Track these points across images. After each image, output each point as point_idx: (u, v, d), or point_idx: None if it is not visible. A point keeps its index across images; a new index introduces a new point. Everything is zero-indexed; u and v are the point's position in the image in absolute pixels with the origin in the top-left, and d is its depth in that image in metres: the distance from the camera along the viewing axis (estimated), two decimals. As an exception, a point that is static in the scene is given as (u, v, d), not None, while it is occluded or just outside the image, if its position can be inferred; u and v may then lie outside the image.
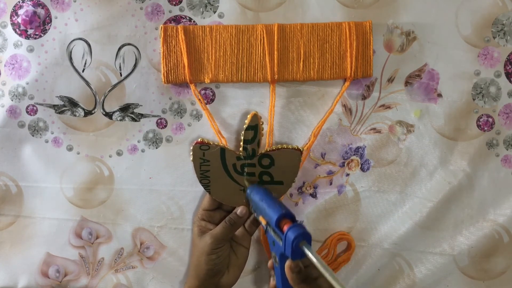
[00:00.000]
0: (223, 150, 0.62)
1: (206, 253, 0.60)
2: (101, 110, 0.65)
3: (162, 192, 0.66)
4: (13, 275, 0.66)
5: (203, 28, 0.62)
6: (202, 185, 0.62)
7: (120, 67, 0.64)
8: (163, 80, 0.63)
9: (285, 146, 0.63)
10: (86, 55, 0.63)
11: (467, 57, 0.65)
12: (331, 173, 0.67)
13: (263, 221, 0.57)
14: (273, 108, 0.64)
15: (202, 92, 0.65)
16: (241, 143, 0.62)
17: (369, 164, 0.67)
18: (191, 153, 0.62)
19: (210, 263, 0.60)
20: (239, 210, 0.62)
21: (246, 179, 0.63)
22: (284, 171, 0.63)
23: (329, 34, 0.63)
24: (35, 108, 0.64)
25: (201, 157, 0.62)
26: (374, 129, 0.66)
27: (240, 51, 0.63)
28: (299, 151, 0.63)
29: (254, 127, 0.62)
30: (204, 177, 0.62)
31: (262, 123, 0.63)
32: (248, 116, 0.62)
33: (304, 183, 0.67)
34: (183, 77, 0.63)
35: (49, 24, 0.63)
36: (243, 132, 0.62)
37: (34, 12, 0.63)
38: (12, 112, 0.64)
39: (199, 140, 0.63)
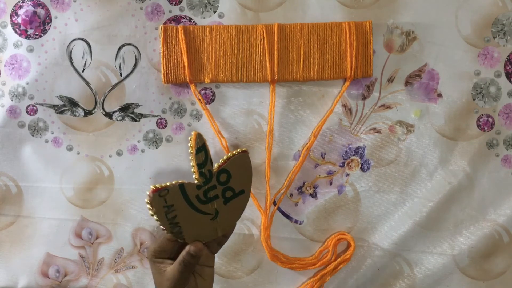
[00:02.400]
0: (181, 185, 0.53)
1: None
2: (101, 110, 0.65)
3: (162, 192, 0.66)
4: (13, 275, 0.66)
5: (203, 28, 0.62)
6: (175, 235, 0.52)
7: (120, 67, 0.64)
8: (163, 80, 0.63)
9: (230, 154, 0.56)
10: (86, 55, 0.64)
11: (467, 57, 0.65)
12: (331, 173, 0.67)
13: None
14: (273, 108, 0.64)
15: (202, 92, 0.65)
16: (195, 170, 0.54)
17: (369, 164, 0.67)
18: (150, 207, 0.51)
19: None
20: (192, 248, 0.52)
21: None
22: (241, 179, 0.56)
23: (329, 34, 0.63)
24: (35, 108, 0.64)
25: (164, 205, 0.52)
26: (374, 129, 0.66)
27: (240, 51, 0.63)
28: (245, 153, 0.56)
29: (202, 148, 0.54)
30: (174, 225, 0.52)
31: (206, 140, 0.54)
32: (191, 138, 0.53)
33: (304, 183, 0.67)
34: (183, 77, 0.63)
35: (49, 24, 0.63)
36: (193, 158, 0.54)
37: (34, 12, 0.63)
38: (12, 112, 0.64)
39: (152, 188, 0.51)
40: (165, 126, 0.65)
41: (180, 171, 0.66)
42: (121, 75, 0.64)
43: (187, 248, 0.51)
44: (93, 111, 0.65)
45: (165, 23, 0.64)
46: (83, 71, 0.64)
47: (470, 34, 0.65)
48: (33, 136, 0.65)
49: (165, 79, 0.63)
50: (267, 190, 0.65)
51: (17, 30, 0.63)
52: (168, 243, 0.53)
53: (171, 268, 0.51)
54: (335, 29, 0.63)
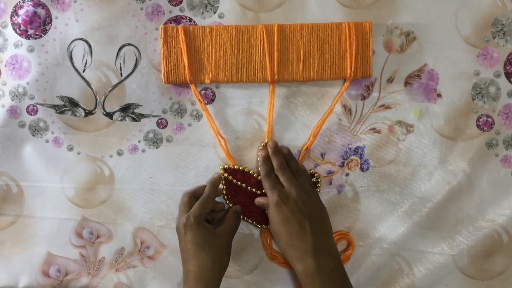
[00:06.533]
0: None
1: (228, 248, 0.62)
2: (102, 110, 0.65)
3: (163, 191, 0.66)
4: (14, 274, 0.66)
5: (203, 28, 0.63)
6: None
7: (120, 67, 0.64)
8: (163, 80, 0.63)
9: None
10: (87, 55, 0.64)
11: (467, 57, 0.65)
12: (331, 173, 0.67)
13: None
14: (272, 108, 0.64)
15: (202, 92, 0.65)
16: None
17: (368, 164, 0.67)
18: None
19: (229, 256, 0.62)
20: (238, 208, 0.65)
21: None
22: None
23: (329, 34, 0.63)
24: (35, 108, 0.64)
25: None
26: (373, 129, 0.66)
27: (240, 51, 0.63)
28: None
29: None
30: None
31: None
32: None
33: (304, 183, 0.67)
34: (183, 77, 0.63)
35: (50, 24, 0.63)
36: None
37: (35, 12, 0.63)
38: (13, 112, 0.64)
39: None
40: (166, 126, 0.65)
41: (180, 170, 0.66)
42: (121, 75, 0.64)
43: (233, 208, 0.65)
44: (93, 111, 0.65)
45: (166, 23, 0.64)
46: (83, 71, 0.64)
47: (470, 34, 0.65)
48: (33, 136, 0.65)
49: (166, 80, 0.63)
50: (267, 190, 0.65)
51: (17, 30, 0.63)
52: (210, 204, 0.63)
53: (227, 224, 0.63)
54: (335, 30, 0.63)
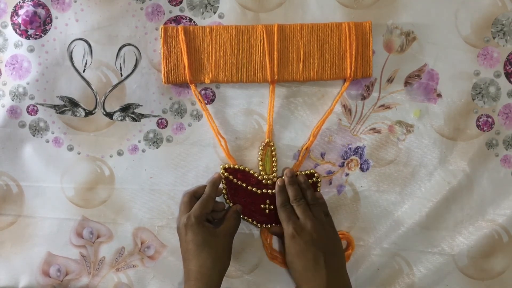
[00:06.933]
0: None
1: (228, 248, 0.62)
2: (102, 110, 0.65)
3: (163, 191, 0.66)
4: (14, 274, 0.66)
5: (203, 28, 0.63)
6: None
7: (120, 67, 0.64)
8: (163, 80, 0.63)
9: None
10: (87, 55, 0.64)
11: (467, 57, 0.65)
12: (331, 173, 0.67)
13: None
14: (272, 108, 0.64)
15: (202, 92, 0.65)
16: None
17: (368, 164, 0.67)
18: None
19: (230, 256, 0.62)
20: (239, 207, 0.64)
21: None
22: None
23: (329, 34, 0.63)
24: (35, 108, 0.64)
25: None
26: (373, 129, 0.66)
27: (240, 51, 0.63)
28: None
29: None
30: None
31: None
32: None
33: (304, 183, 0.67)
34: (183, 78, 0.63)
35: (50, 24, 0.63)
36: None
37: (35, 12, 0.63)
38: (13, 112, 0.64)
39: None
40: (166, 126, 0.65)
41: (180, 170, 0.66)
42: (121, 75, 0.64)
43: (233, 207, 0.64)
44: (93, 111, 0.65)
45: (166, 23, 0.64)
46: (83, 71, 0.64)
47: (470, 34, 0.65)
48: (33, 136, 0.65)
49: (166, 80, 0.63)
50: (267, 190, 0.65)
51: (17, 30, 0.63)
52: (210, 204, 0.62)
53: (227, 224, 0.62)
54: (335, 30, 0.63)
